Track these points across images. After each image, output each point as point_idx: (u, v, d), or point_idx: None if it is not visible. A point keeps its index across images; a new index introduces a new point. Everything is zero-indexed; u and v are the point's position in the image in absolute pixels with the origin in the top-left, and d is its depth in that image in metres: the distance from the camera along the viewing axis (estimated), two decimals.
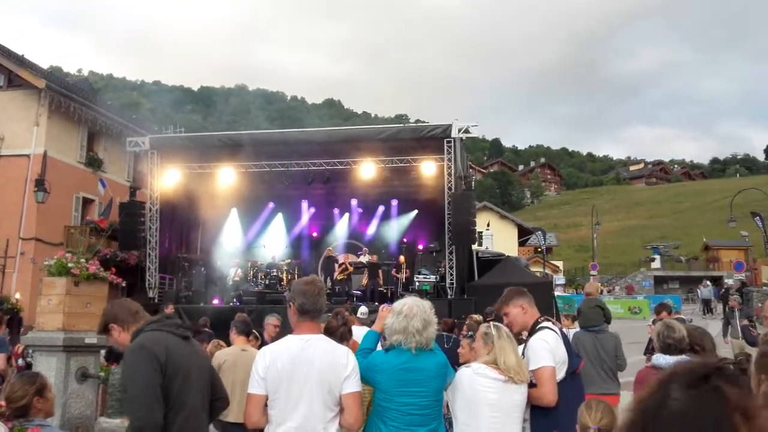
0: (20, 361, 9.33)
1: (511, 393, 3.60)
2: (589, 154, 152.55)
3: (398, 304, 3.70)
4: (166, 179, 18.61)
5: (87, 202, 22.72)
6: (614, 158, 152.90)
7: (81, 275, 5.59)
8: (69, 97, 21.13)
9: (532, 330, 4.00)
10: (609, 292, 40.64)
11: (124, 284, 6.69)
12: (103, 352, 6.98)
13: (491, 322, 3.94)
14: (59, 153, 21.11)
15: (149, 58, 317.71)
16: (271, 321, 7.17)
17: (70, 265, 5.56)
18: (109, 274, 5.99)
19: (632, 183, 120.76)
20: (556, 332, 3.98)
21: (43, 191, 18.94)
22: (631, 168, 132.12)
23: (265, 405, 3.30)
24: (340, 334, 4.56)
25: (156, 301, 17.67)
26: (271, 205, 21.08)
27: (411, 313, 3.57)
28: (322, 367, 3.27)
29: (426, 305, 3.68)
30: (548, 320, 4.09)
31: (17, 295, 18.63)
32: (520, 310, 4.06)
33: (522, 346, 4.04)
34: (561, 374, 3.83)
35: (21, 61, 22.24)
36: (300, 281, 3.61)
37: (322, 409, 3.24)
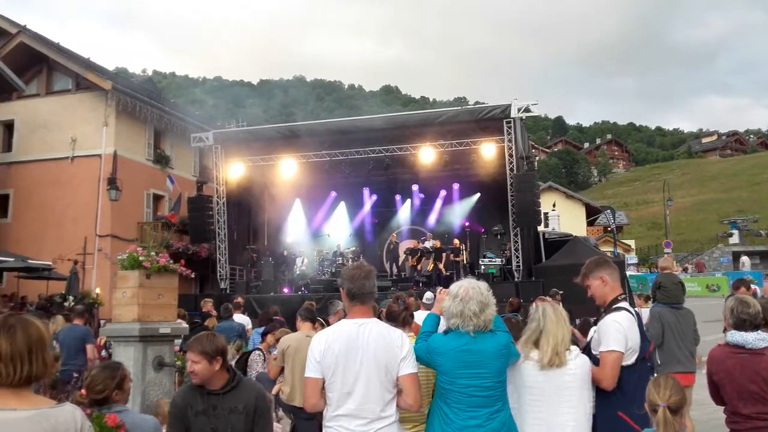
0: (103, 353, 9.75)
1: (558, 375, 3.51)
2: (658, 128, 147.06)
3: (454, 287, 3.65)
4: (231, 173, 19.01)
5: (157, 198, 23.48)
6: (685, 131, 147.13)
7: (152, 268, 5.73)
8: (135, 97, 21.82)
9: (608, 308, 3.84)
10: (685, 270, 39.20)
11: (193, 275, 6.82)
12: (177, 341, 7.19)
13: (538, 303, 3.86)
14: (128, 152, 21.86)
15: (209, 55, 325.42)
16: (336, 308, 7.21)
17: (141, 258, 5.70)
18: (178, 266, 6.11)
19: (705, 156, 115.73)
20: (632, 315, 3.80)
21: (115, 189, 19.63)
22: (704, 140, 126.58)
23: (323, 388, 3.37)
24: (402, 318, 4.53)
25: (227, 292, 18.12)
26: (333, 194, 21.26)
27: (467, 296, 3.53)
28: (377, 350, 3.31)
29: (483, 287, 3.62)
30: (626, 300, 3.92)
31: (97, 290, 19.47)
32: (600, 282, 3.91)
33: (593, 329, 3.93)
34: (631, 360, 3.68)
35: (87, 64, 23.09)
36: (348, 266, 3.67)
37: (379, 391, 3.29)
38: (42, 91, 22.62)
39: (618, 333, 3.65)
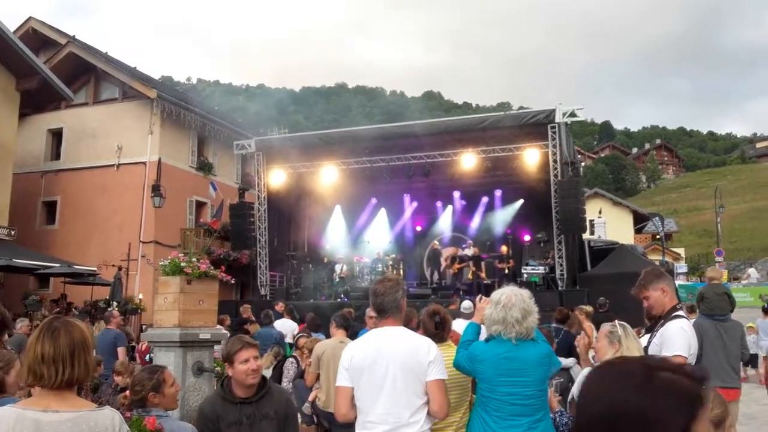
0: (147, 357, 9.80)
1: None
2: (710, 133, 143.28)
3: (496, 294, 3.67)
4: (273, 179, 19.10)
5: (200, 205, 23.74)
6: (738, 136, 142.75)
7: (193, 274, 5.74)
8: (179, 106, 22.12)
9: (667, 316, 3.87)
10: (736, 279, 37.91)
11: (233, 282, 6.81)
12: (217, 347, 7.24)
13: (617, 321, 3.81)
14: (172, 159, 22.15)
15: (253, 63, 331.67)
16: (370, 313, 7.07)
17: (182, 264, 5.71)
18: (218, 272, 6.11)
19: (760, 161, 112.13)
20: (690, 322, 3.93)
21: (159, 196, 19.90)
22: (758, 145, 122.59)
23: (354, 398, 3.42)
24: (438, 338, 4.34)
25: (267, 298, 18.15)
26: (373, 200, 21.18)
27: (509, 303, 3.54)
28: (404, 356, 3.34)
29: (525, 294, 3.62)
30: (682, 309, 4.00)
31: (140, 296, 19.74)
32: (661, 293, 3.93)
33: (646, 336, 3.95)
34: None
35: (133, 73, 23.57)
36: (376, 280, 3.72)
37: (406, 397, 3.30)
38: (90, 100, 23.15)
39: (683, 339, 3.72)
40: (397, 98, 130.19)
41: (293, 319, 11.98)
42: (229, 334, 8.84)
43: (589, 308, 9.23)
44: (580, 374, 3.71)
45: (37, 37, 23.15)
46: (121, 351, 9.03)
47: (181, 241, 21.28)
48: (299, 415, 5.77)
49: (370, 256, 19.91)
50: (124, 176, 21.57)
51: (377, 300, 3.47)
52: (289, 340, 10.39)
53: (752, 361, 12.63)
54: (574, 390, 3.62)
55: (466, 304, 8.30)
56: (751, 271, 33.16)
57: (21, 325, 9.97)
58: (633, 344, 3.55)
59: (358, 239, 21.13)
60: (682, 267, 39.79)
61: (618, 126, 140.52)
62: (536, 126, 16.51)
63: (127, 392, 3.76)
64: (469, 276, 18.31)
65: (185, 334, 5.58)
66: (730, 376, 6.54)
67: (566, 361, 6.51)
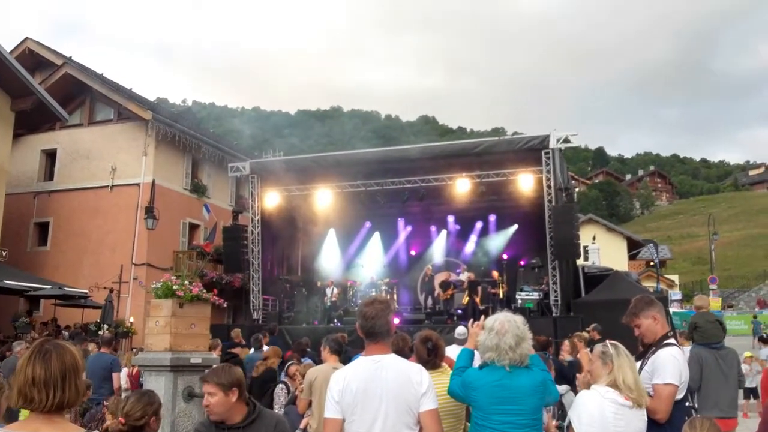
0: (139, 382, 9.62)
1: (637, 419, 3.42)
2: (703, 160, 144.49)
3: (490, 321, 3.63)
4: (267, 202, 19.03)
5: (193, 228, 23.62)
6: (731, 163, 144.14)
7: (185, 297, 5.70)
8: (174, 127, 22.12)
9: (659, 343, 3.85)
10: (730, 307, 37.91)
11: (225, 305, 6.74)
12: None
13: (608, 341, 3.73)
14: (166, 181, 22.10)
15: (248, 86, 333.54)
16: None
17: (174, 287, 5.67)
18: (211, 295, 6.04)
19: (753, 189, 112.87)
20: (682, 351, 3.87)
21: (152, 218, 19.82)
22: (751, 173, 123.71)
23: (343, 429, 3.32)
24: (431, 365, 4.27)
25: (260, 322, 17.97)
26: (367, 224, 21.12)
27: (503, 330, 3.50)
28: (396, 387, 3.26)
29: (519, 321, 3.58)
30: (674, 337, 3.97)
31: (131, 319, 19.54)
32: (652, 321, 3.90)
33: (638, 364, 3.83)
34: (682, 394, 3.72)
35: (129, 95, 23.61)
36: (362, 302, 3.60)
37: (399, 428, 3.23)
38: (84, 121, 23.16)
39: (674, 367, 3.68)
40: (392, 122, 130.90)
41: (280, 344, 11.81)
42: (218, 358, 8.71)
43: (586, 335, 9.19)
44: (576, 397, 3.65)
45: (33, 57, 23.21)
46: (116, 377, 8.86)
47: (173, 263, 21.14)
48: None
49: (364, 280, 19.80)
50: (118, 198, 21.49)
51: (368, 324, 3.36)
52: None
53: (753, 392, 12.41)
54: (571, 414, 3.56)
55: (460, 329, 8.20)
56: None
57: (19, 348, 9.84)
58: (625, 362, 3.48)
59: (352, 263, 21.03)
60: (676, 294, 39.78)
61: (611, 152, 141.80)
62: (530, 151, 16.53)
63: (121, 419, 3.68)
64: (463, 301, 18.19)
65: (176, 359, 5.51)
66: (728, 405, 6.50)
67: (559, 389, 6.44)
